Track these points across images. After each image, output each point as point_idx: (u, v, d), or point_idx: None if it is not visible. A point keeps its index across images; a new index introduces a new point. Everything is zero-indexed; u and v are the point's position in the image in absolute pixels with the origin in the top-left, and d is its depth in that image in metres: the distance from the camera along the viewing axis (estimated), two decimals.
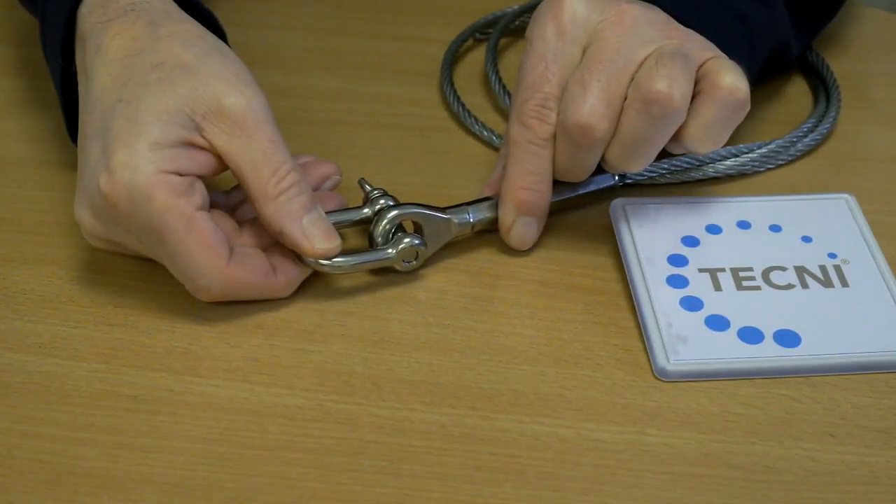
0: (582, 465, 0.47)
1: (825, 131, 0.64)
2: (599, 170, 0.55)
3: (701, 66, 0.52)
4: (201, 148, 0.50)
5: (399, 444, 0.47)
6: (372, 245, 0.55)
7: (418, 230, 0.55)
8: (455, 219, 0.55)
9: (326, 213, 0.53)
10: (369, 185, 0.56)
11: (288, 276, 0.53)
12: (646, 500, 0.46)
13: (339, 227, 0.54)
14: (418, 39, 0.73)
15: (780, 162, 0.62)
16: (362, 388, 0.50)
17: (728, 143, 0.62)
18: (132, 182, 0.48)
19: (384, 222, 0.54)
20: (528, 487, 0.46)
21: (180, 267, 0.50)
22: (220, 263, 0.50)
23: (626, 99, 0.51)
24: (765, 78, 0.65)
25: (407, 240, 0.54)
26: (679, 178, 0.60)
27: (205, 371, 0.50)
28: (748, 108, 0.53)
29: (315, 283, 0.55)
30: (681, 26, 0.54)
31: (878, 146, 0.65)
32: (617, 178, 0.59)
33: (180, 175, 0.49)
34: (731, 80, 0.52)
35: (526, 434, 0.48)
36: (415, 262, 0.54)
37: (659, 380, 0.50)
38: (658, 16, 0.54)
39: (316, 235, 0.51)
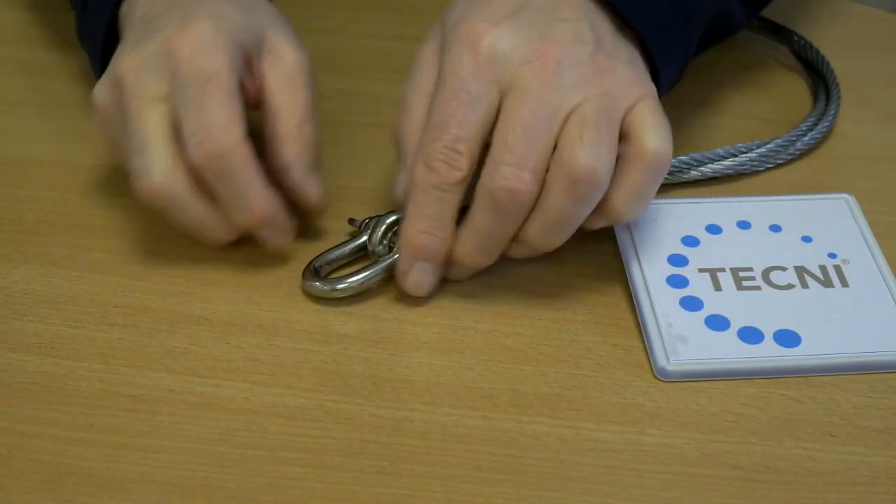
0: (582, 465, 0.47)
1: (824, 129, 0.64)
2: None
3: (624, 118, 0.50)
4: (252, 74, 0.54)
5: (399, 444, 0.47)
6: (373, 258, 0.54)
7: None
8: None
9: (326, 251, 0.55)
10: (357, 219, 0.56)
11: (268, 197, 0.53)
12: (646, 500, 0.46)
13: (339, 261, 0.55)
14: (418, 39, 0.73)
15: (779, 161, 0.62)
16: (362, 388, 0.50)
17: (727, 143, 0.62)
18: (204, 38, 0.51)
19: (383, 227, 0.54)
20: (528, 487, 0.46)
21: (205, 113, 0.51)
22: (239, 131, 0.51)
23: (548, 169, 0.49)
24: (706, 48, 0.64)
25: None
26: (678, 179, 0.60)
27: (205, 371, 0.50)
28: (669, 166, 0.51)
29: None
30: (606, 60, 0.51)
31: (878, 146, 0.65)
32: None
33: (243, 60, 0.53)
34: (655, 143, 0.50)
35: (526, 434, 0.48)
36: None
37: (659, 380, 0.50)
38: (582, 51, 0.50)
39: (316, 186, 0.55)
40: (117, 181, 0.60)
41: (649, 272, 0.54)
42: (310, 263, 0.54)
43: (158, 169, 0.51)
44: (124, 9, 0.57)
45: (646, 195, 0.51)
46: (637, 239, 0.56)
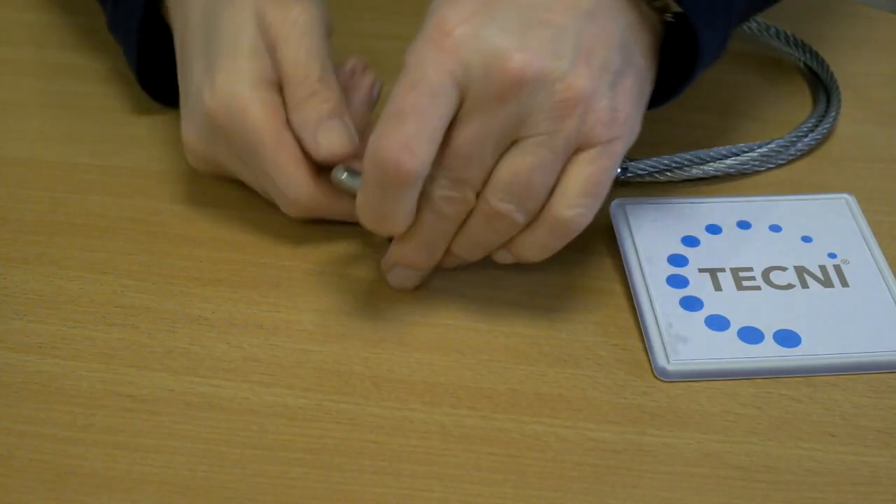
0: (582, 465, 0.47)
1: (825, 131, 0.64)
2: None
3: (573, 154, 0.48)
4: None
5: (399, 444, 0.47)
6: None
7: None
8: None
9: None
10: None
11: None
12: (646, 500, 0.46)
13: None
14: None
15: (780, 161, 0.62)
16: (362, 388, 0.50)
17: (728, 143, 0.62)
18: (230, 98, 0.53)
19: None
20: (528, 487, 0.46)
21: (271, 179, 0.53)
22: (307, 176, 0.53)
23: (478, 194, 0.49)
24: (754, 13, 0.63)
25: None
26: (680, 176, 0.60)
27: (205, 371, 0.50)
28: (578, 231, 0.50)
29: (315, 282, 0.55)
30: (581, 84, 0.47)
31: (878, 146, 0.65)
32: (619, 170, 0.59)
33: (272, 82, 0.54)
34: (569, 210, 0.48)
35: (526, 434, 0.48)
36: None
37: (659, 380, 0.50)
38: (554, 68, 0.47)
39: (323, 141, 0.53)
40: (117, 181, 0.60)
41: (649, 272, 0.54)
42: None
43: (289, 202, 0.55)
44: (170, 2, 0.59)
45: (546, 250, 0.51)
46: (637, 239, 0.56)
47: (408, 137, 0.46)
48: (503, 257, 0.52)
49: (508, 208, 0.49)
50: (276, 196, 0.55)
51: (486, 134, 0.47)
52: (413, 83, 0.46)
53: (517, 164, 0.48)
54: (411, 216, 0.50)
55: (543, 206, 0.49)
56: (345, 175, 0.53)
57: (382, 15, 0.75)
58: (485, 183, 0.49)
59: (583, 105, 0.47)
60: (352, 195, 0.51)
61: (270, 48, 0.54)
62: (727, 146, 0.62)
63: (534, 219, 0.50)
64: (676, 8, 0.51)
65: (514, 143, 0.48)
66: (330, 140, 0.53)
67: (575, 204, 0.49)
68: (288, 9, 0.54)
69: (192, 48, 0.55)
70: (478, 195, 0.49)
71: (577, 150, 0.48)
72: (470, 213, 0.50)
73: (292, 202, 0.54)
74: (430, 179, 0.49)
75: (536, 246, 0.51)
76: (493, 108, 0.47)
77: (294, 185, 0.53)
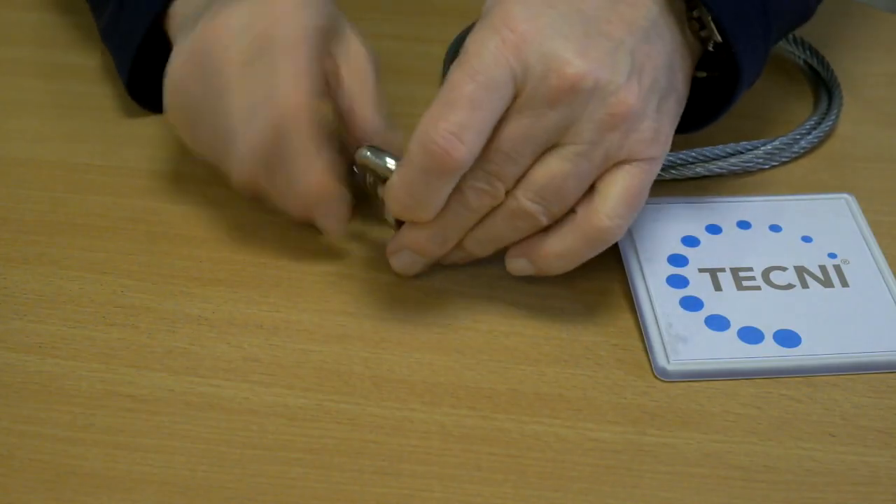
0: (582, 465, 0.47)
1: (827, 129, 0.64)
2: None
3: (609, 167, 0.49)
4: (329, 55, 0.54)
5: (399, 444, 0.47)
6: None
7: None
8: None
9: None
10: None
11: (326, 171, 0.52)
12: (646, 500, 0.46)
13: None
14: (418, 39, 0.73)
15: (783, 159, 0.62)
16: (362, 388, 0.50)
17: (731, 141, 0.62)
18: (291, 21, 0.51)
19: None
20: (528, 487, 0.46)
21: (277, 76, 0.50)
22: (308, 88, 0.51)
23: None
24: (785, 34, 0.64)
25: None
26: (683, 174, 0.60)
27: (205, 371, 0.50)
28: (613, 241, 0.50)
29: (315, 282, 0.55)
30: (631, 101, 0.47)
31: (879, 146, 0.65)
32: None
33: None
34: (606, 218, 0.48)
35: (526, 434, 0.48)
36: None
37: (659, 380, 0.50)
38: (609, 82, 0.47)
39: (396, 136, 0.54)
40: (117, 181, 0.60)
41: (649, 272, 0.54)
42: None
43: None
44: (176, 8, 0.57)
45: (574, 260, 0.51)
46: (637, 239, 0.56)
47: (460, 127, 0.46)
48: (522, 268, 0.52)
49: (536, 209, 0.49)
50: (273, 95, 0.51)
51: (531, 135, 0.48)
52: (472, 72, 0.46)
53: (554, 169, 0.48)
54: (442, 206, 0.49)
55: (571, 213, 0.50)
56: (369, 153, 0.52)
57: (382, 15, 0.75)
58: (517, 181, 0.49)
59: (629, 122, 0.48)
60: (376, 174, 0.51)
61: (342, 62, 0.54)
62: (731, 144, 0.62)
63: (565, 227, 0.50)
64: (718, 38, 0.52)
65: (554, 146, 0.48)
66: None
67: (615, 214, 0.49)
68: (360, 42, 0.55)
69: None
70: (507, 193, 0.49)
71: (617, 163, 0.49)
72: (494, 209, 0.50)
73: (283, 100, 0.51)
74: (469, 176, 0.49)
75: (567, 254, 0.50)
76: (544, 111, 0.47)
77: (295, 85, 0.51)
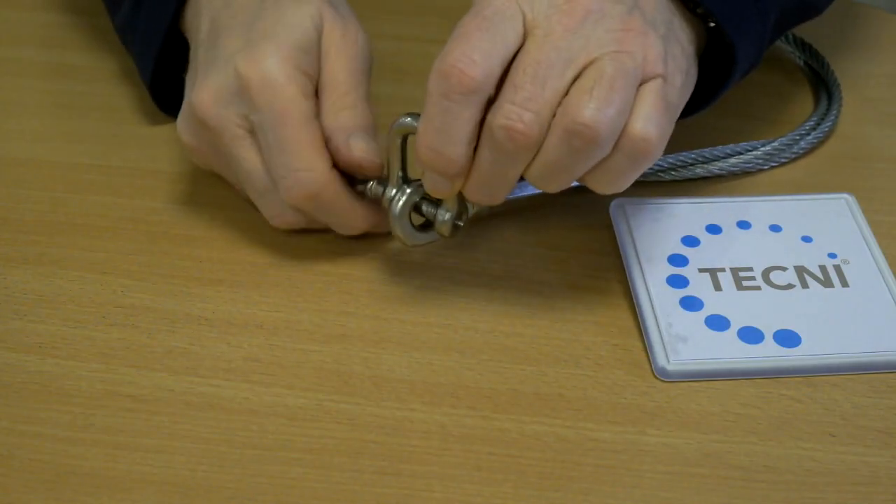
0: (582, 465, 0.47)
1: (826, 129, 0.64)
2: None
3: (639, 88, 0.48)
4: (316, 60, 0.55)
5: (399, 444, 0.47)
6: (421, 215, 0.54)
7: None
8: None
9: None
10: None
11: (367, 214, 0.55)
12: (646, 500, 0.46)
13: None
14: (418, 39, 0.73)
15: (783, 160, 0.62)
16: (362, 388, 0.50)
17: (731, 142, 0.62)
18: (270, 69, 0.52)
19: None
20: (528, 487, 0.46)
21: (288, 156, 0.52)
22: (324, 164, 0.53)
23: (554, 115, 0.48)
24: (790, 26, 0.64)
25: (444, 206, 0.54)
26: (684, 175, 0.60)
27: (205, 371, 0.50)
28: (652, 159, 0.49)
29: (314, 282, 0.55)
30: (639, 23, 0.49)
31: (879, 146, 0.65)
32: None
33: (309, 77, 0.54)
34: (643, 127, 0.48)
35: (526, 434, 0.48)
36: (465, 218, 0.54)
37: (659, 380, 0.50)
38: (616, 8, 0.49)
39: (356, 145, 0.54)
40: (117, 181, 0.60)
41: (649, 272, 0.54)
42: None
43: (279, 209, 0.55)
44: (189, 13, 0.58)
45: (620, 178, 0.49)
46: (637, 239, 0.56)
47: (471, 50, 0.47)
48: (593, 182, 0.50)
49: (590, 118, 0.47)
50: (286, 174, 0.53)
51: (548, 58, 0.48)
52: (479, 10, 0.48)
53: (596, 73, 0.47)
54: (470, 145, 0.49)
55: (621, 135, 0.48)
56: (409, 118, 0.52)
57: (383, 15, 0.75)
58: (552, 110, 0.48)
59: (641, 37, 0.48)
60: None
61: (322, 55, 0.55)
62: (731, 145, 0.62)
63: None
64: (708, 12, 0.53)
65: (585, 68, 0.48)
66: (362, 147, 0.53)
67: (651, 123, 0.48)
68: (347, 25, 0.55)
69: (229, 29, 0.55)
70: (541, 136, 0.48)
71: (642, 81, 0.49)
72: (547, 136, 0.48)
73: (298, 184, 0.52)
74: (492, 110, 0.48)
75: (612, 170, 0.49)
76: (558, 34, 0.48)
77: (310, 166, 0.52)
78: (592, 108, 0.46)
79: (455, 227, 0.54)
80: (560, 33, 0.48)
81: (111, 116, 0.65)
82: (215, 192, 0.59)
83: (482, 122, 0.48)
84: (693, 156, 0.60)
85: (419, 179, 0.52)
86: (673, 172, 0.60)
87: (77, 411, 0.48)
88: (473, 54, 0.47)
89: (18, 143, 0.64)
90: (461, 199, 0.53)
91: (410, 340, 0.52)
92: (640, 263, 0.55)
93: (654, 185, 0.61)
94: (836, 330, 0.52)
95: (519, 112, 0.47)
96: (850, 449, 0.47)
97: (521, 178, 0.51)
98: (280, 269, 0.55)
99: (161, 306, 0.53)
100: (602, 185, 0.50)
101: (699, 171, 0.61)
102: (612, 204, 0.58)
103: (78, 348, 0.51)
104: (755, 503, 0.45)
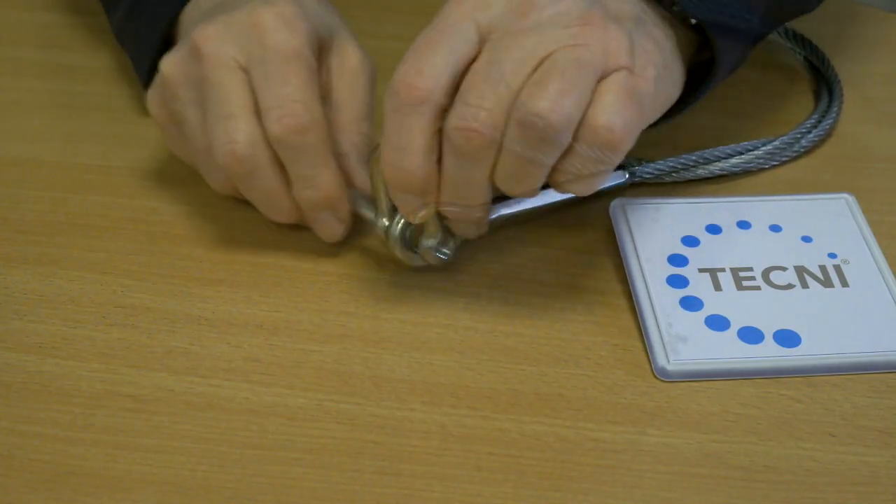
0: (582, 465, 0.47)
1: (827, 128, 0.64)
2: None
3: (601, 81, 0.47)
4: (320, 64, 0.55)
5: (399, 444, 0.47)
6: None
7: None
8: None
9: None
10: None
11: (337, 175, 0.54)
12: (646, 500, 0.46)
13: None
14: None
15: (783, 159, 0.62)
16: (362, 388, 0.50)
17: (730, 142, 0.62)
18: (288, 13, 0.52)
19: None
20: (528, 487, 0.46)
21: (288, 87, 0.52)
22: (319, 108, 0.53)
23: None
24: (780, 23, 0.64)
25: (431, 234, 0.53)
26: (685, 177, 0.60)
27: (205, 371, 0.50)
28: (619, 152, 0.47)
29: (315, 282, 0.55)
30: (598, 17, 0.48)
31: (879, 146, 0.65)
32: (627, 175, 0.59)
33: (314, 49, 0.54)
34: (605, 118, 0.46)
35: (526, 434, 0.48)
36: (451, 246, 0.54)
37: (659, 380, 0.50)
38: (575, 5, 0.48)
39: (364, 177, 0.55)
40: (117, 181, 0.60)
41: (649, 272, 0.54)
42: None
43: (244, 136, 0.52)
44: (188, 8, 0.58)
45: (590, 177, 0.48)
46: (637, 239, 0.56)
47: (419, 63, 0.47)
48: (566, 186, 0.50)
49: (541, 108, 0.46)
50: (271, 110, 0.52)
51: (501, 58, 0.47)
52: (432, 25, 0.48)
53: (550, 64, 0.47)
54: (428, 156, 0.48)
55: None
56: None
57: (382, 15, 0.75)
58: (507, 107, 0.47)
59: (601, 31, 0.47)
60: None
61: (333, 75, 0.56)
62: (731, 145, 0.62)
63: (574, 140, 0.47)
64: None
65: (541, 62, 0.47)
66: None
67: (611, 111, 0.47)
68: (361, 53, 0.57)
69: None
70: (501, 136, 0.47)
71: (604, 74, 0.47)
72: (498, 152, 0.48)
73: (292, 116, 0.52)
74: (448, 115, 0.47)
75: (579, 166, 0.48)
76: (512, 35, 0.47)
77: (306, 100, 0.52)
78: (545, 99, 0.46)
79: (440, 255, 0.54)
80: (514, 34, 0.47)
81: (111, 116, 0.65)
82: (215, 192, 0.59)
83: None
84: (694, 158, 0.60)
85: None
86: (674, 175, 0.60)
87: (77, 411, 0.48)
88: (422, 67, 0.47)
89: (18, 143, 0.64)
90: (444, 228, 0.53)
91: (410, 340, 0.52)
92: (640, 263, 0.55)
93: (655, 186, 0.61)
94: (836, 330, 0.52)
95: (473, 112, 0.47)
96: (850, 449, 0.47)
97: (505, 198, 0.51)
98: (280, 269, 0.55)
99: (161, 306, 0.53)
100: (572, 185, 0.49)
101: (700, 171, 0.61)
102: (613, 204, 0.58)
103: (78, 348, 0.51)
104: (755, 503, 0.45)
